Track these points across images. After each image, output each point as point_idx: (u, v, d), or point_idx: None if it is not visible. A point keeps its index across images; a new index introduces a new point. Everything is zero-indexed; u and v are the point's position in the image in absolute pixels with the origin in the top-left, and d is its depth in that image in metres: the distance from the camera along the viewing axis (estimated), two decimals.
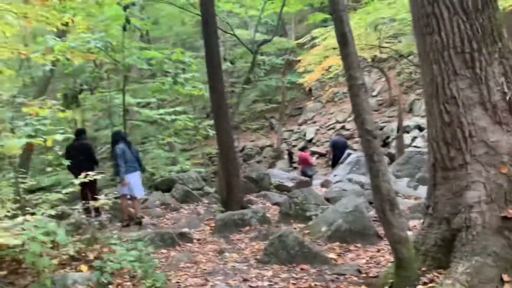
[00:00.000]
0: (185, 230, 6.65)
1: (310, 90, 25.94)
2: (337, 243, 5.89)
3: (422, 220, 7.34)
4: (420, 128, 18.98)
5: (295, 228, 6.79)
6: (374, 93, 23.84)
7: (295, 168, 18.24)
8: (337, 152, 12.44)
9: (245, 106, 25.94)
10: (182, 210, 8.30)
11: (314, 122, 24.55)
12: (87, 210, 6.82)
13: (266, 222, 6.89)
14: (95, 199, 5.67)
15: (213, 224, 6.81)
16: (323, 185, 11.17)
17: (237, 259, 5.37)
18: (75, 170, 6.65)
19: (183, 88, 10.98)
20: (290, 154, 13.71)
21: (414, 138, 18.73)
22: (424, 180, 11.15)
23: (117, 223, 7.39)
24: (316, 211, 7.14)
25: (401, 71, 23.50)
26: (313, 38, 16.64)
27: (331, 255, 5.40)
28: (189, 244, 6.11)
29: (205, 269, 5.05)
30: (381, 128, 21.19)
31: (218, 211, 7.40)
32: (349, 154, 11.86)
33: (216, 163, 24.47)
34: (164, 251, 5.75)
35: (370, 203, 8.06)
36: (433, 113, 3.87)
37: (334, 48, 16.88)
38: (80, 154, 7.46)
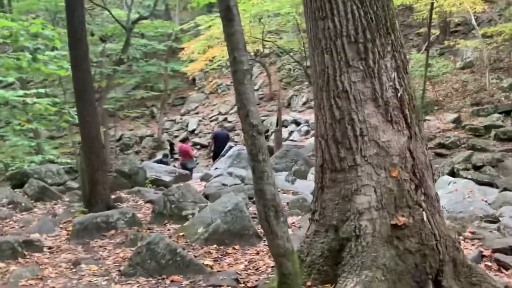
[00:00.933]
0: (34, 236, 5.47)
1: (194, 80, 25.16)
2: (215, 246, 5.31)
3: (300, 217, 7.22)
4: (297, 123, 19.46)
5: (169, 230, 6.05)
6: (256, 87, 23.97)
7: (176, 159, 17.39)
8: (218, 144, 11.92)
9: (124, 92, 24.20)
10: (36, 210, 6.98)
11: (197, 113, 23.90)
12: None
13: (136, 224, 6.00)
14: None
15: (70, 228, 5.72)
16: (203, 178, 10.54)
17: (96, 271, 4.45)
18: None
19: (46, 67, 9.41)
20: (171, 145, 12.87)
21: (291, 132, 19.13)
22: (299, 174, 11.18)
23: None
24: (193, 209, 6.46)
25: (281, 67, 23.96)
26: (197, 26, 15.88)
27: (207, 261, 4.78)
28: (37, 254, 4.97)
29: (53, 287, 4.07)
30: (262, 121, 21.38)
31: (79, 211, 6.29)
32: (230, 147, 11.41)
33: None
34: (1, 265, 4.57)
35: (250, 198, 7.66)
36: (323, 107, 3.43)
37: (218, 38, 16.41)
38: None
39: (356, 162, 3.21)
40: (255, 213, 6.14)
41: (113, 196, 7.64)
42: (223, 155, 11.30)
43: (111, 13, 10.14)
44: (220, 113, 22.86)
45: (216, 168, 10.93)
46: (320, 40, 3.45)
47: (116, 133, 23.05)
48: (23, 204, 6.97)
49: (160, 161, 12.23)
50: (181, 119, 23.65)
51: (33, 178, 7.82)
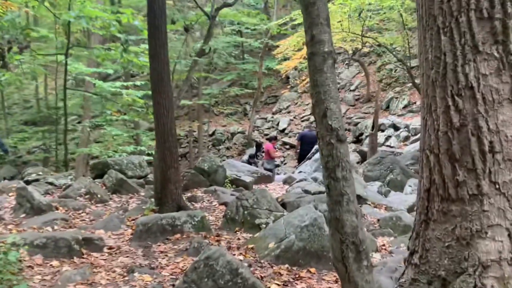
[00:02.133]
0: (98, 232, 5.13)
1: (287, 78, 24.54)
2: (286, 266, 4.53)
3: (392, 238, 6.11)
4: (396, 127, 17.84)
5: (239, 239, 5.37)
6: (352, 88, 22.64)
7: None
8: (305, 146, 11.03)
9: (219, 89, 24.38)
10: (110, 203, 6.74)
11: (289, 112, 23.22)
12: None
13: (204, 229, 5.41)
14: None
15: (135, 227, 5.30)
16: (285, 181, 9.77)
17: (148, 283, 3.90)
18: None
19: (137, 58, 9.32)
20: (259, 146, 12.23)
21: (388, 137, 17.58)
22: (395, 184, 9.91)
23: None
24: (267, 218, 5.71)
25: (382, 67, 22.32)
26: (293, 20, 15.10)
27: (274, 286, 4.01)
28: (96, 255, 4.59)
29: None
30: (356, 124, 20.02)
31: (148, 209, 5.87)
32: (318, 150, 10.46)
33: (184, 146, 22.89)
34: (55, 263, 4.22)
35: None
36: (435, 109, 2.42)
37: None
38: None
39: (482, 190, 2.19)
40: None
41: (188, 194, 7.20)
42: (309, 158, 10.42)
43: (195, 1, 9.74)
44: (312, 113, 21.87)
45: (300, 172, 10.09)
46: (435, 16, 2.45)
47: (210, 128, 23.25)
48: (99, 196, 6.77)
49: (247, 162, 11.67)
50: (272, 117, 23.15)
51: (113, 169, 7.65)
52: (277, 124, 22.42)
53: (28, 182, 7.26)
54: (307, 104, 22.61)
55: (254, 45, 22.63)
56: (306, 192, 7.97)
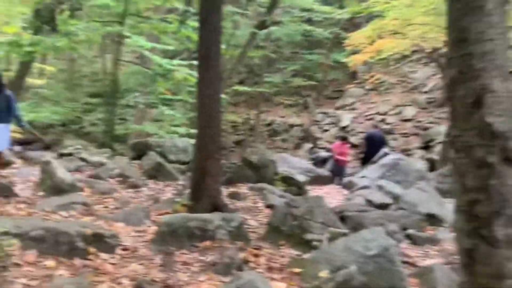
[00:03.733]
0: (115, 227, 4.22)
1: (354, 73, 22.82)
2: None
3: None
4: None
5: (282, 256, 4.24)
6: (425, 89, 20.61)
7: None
8: (371, 149, 9.62)
9: (282, 79, 23.21)
10: (143, 190, 5.86)
11: (353, 109, 21.58)
12: None
13: (241, 238, 4.33)
14: None
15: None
16: (345, 186, 8.50)
17: None
18: None
19: (194, 32, 8.39)
20: (344, 139, 10.67)
21: None
22: None
23: None
24: (320, 235, 4.53)
25: None
26: (369, 8, 13.58)
27: None
28: (104, 256, 3.64)
29: None
30: (426, 129, 18.15)
31: (180, 204, 4.89)
32: (386, 154, 9.04)
33: (239, 133, 22.03)
34: (50, 263, 3.32)
35: (404, 229, 5.44)
36: None
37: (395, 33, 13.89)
38: None
39: None
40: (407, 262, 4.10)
41: (230, 189, 6.17)
42: (375, 162, 9.03)
43: None
44: (378, 113, 20.16)
45: (363, 177, 8.75)
46: None
47: (268, 118, 22.22)
48: (132, 179, 5.91)
49: (314, 163, 10.40)
50: (334, 113, 21.63)
51: (154, 152, 6.78)
52: (339, 121, 20.92)
53: (61, 155, 6.58)
54: (374, 103, 20.91)
55: (323, 35, 21.22)
56: (369, 203, 6.69)
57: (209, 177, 4.81)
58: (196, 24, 8.88)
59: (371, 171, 8.98)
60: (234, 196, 5.80)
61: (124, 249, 3.87)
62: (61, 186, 5.02)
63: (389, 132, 17.90)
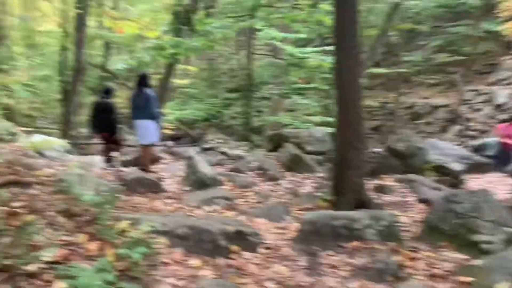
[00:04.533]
0: (256, 223, 4.06)
1: (509, 43, 19.68)
2: None
3: None
4: None
5: (445, 260, 3.60)
6: None
7: None
8: None
9: (423, 56, 21.18)
10: (281, 183, 5.66)
11: (510, 84, 18.67)
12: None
13: (392, 238, 3.80)
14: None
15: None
16: (510, 173, 7.18)
17: None
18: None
19: (327, 16, 7.93)
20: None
21: None
22: None
23: None
24: (492, 236, 3.74)
25: None
26: None
27: None
28: (247, 255, 3.48)
29: None
30: None
31: (322, 200, 4.53)
32: None
33: (377, 118, 20.81)
34: (195, 262, 3.27)
35: None
36: None
37: None
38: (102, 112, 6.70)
39: None
40: None
41: (375, 182, 5.60)
42: None
43: None
44: None
45: None
46: None
47: (408, 100, 20.52)
48: (270, 172, 5.76)
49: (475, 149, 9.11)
50: (487, 89, 18.98)
51: (291, 143, 6.55)
52: (493, 98, 18.28)
53: (204, 150, 6.77)
54: None
55: (469, 4, 18.69)
56: None
57: (351, 169, 4.36)
58: (329, 6, 8.43)
59: None
60: (379, 189, 5.24)
61: (266, 248, 3.67)
62: (203, 181, 5.09)
63: None
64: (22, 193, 3.89)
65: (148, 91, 6.09)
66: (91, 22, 17.77)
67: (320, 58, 8.72)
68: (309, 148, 6.74)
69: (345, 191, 4.37)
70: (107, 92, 6.80)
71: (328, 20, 8.33)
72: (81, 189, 4.01)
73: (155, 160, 6.52)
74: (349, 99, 4.32)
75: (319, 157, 6.69)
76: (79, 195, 3.47)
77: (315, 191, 5.06)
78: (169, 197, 4.87)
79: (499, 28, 17.18)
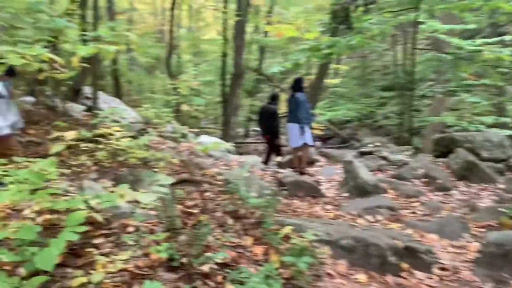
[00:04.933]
0: (427, 239, 3.63)
1: None
2: None
3: None
4: None
5: None
6: None
7: None
8: None
9: None
10: (454, 193, 5.01)
11: None
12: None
13: None
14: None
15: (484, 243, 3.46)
16: None
17: None
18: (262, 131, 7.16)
19: (505, 2, 6.86)
20: None
21: None
22: None
23: None
24: None
25: None
26: None
27: None
28: (419, 275, 3.12)
29: None
30: None
31: (508, 217, 3.84)
32: None
33: None
34: (361, 277, 3.05)
35: None
36: None
37: None
38: (266, 117, 6.92)
39: None
40: None
41: None
42: None
43: None
44: None
45: None
46: None
47: None
48: (439, 181, 5.17)
49: None
50: None
51: (462, 148, 5.80)
52: None
53: (362, 154, 6.45)
54: None
55: None
56: None
57: None
58: None
59: None
60: None
61: (442, 269, 3.25)
62: (364, 187, 4.81)
63: None
64: (193, 191, 4.19)
65: (299, 95, 6.10)
66: (248, 29, 18.88)
67: (498, 51, 7.56)
68: (485, 154, 5.87)
69: None
70: (273, 98, 7.01)
71: (509, 6, 7.19)
72: (246, 191, 4.13)
73: (311, 162, 6.47)
74: None
75: (498, 165, 5.77)
76: (245, 197, 3.55)
77: (496, 205, 4.34)
78: (328, 203, 4.73)
79: None
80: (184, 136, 7.92)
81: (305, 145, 6.13)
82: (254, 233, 3.27)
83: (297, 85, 6.31)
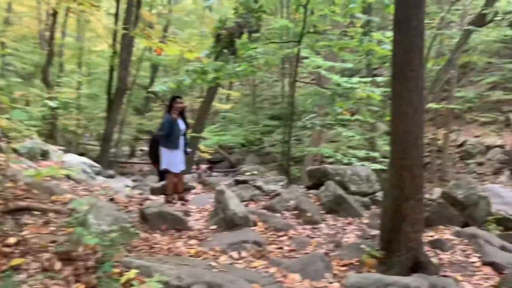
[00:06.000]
0: (289, 280, 3.38)
1: None
2: None
3: None
4: None
5: None
6: None
7: None
8: None
9: (476, 93, 19.92)
10: (321, 227, 4.95)
11: None
12: None
13: None
14: None
15: (344, 282, 3.31)
16: None
17: None
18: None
19: (378, 46, 7.29)
20: None
21: None
22: None
23: None
24: None
25: None
26: None
27: None
28: None
29: None
30: None
31: (369, 256, 3.79)
32: None
33: (438, 155, 19.47)
34: None
35: None
36: None
37: None
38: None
39: None
40: None
41: (430, 234, 4.80)
42: None
43: None
44: None
45: None
46: None
47: (459, 138, 19.22)
48: (308, 214, 5.08)
49: None
50: None
51: (333, 181, 5.85)
52: None
53: (237, 182, 6.20)
54: None
55: None
56: None
57: (407, 224, 3.62)
58: (380, 36, 7.79)
59: None
60: (435, 244, 4.43)
61: None
62: (233, 220, 4.49)
63: None
64: (27, 224, 3.44)
65: (166, 116, 5.72)
66: (140, 44, 18.08)
67: (369, 90, 8.03)
68: (353, 188, 6.00)
69: (399, 248, 3.62)
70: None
71: (381, 50, 7.68)
72: (94, 223, 3.52)
73: (184, 190, 6.01)
74: (409, 138, 3.62)
75: (365, 199, 5.94)
76: (80, 234, 2.94)
77: (360, 241, 4.32)
78: (193, 237, 4.30)
79: None
80: (44, 153, 6.92)
81: (170, 171, 5.68)
82: (89, 279, 2.69)
83: (168, 106, 5.85)
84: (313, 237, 4.58)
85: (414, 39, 3.57)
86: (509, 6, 14.09)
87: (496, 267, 4.01)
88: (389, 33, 7.69)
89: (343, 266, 3.79)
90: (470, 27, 5.42)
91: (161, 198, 5.90)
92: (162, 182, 6.42)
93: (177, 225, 4.43)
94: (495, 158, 18.20)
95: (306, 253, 4.10)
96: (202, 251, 3.83)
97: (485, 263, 4.11)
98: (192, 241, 4.13)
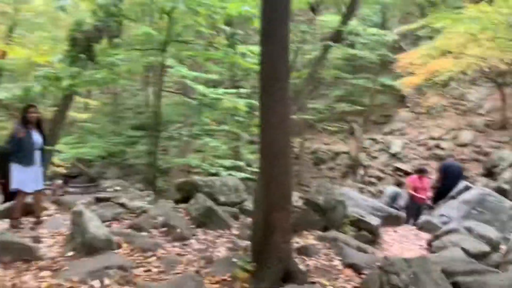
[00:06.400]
0: None
1: (403, 97, 21.31)
2: None
3: None
4: None
5: None
6: (481, 111, 18.82)
7: None
8: (448, 181, 8.14)
9: (326, 104, 21.96)
10: (192, 243, 4.72)
11: (403, 134, 19.99)
12: None
13: None
14: None
15: None
16: (422, 227, 7.07)
17: None
18: None
19: (243, 59, 7.40)
20: (422, 171, 8.42)
21: None
22: None
23: None
24: None
25: None
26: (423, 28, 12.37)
27: None
28: None
29: None
30: (486, 154, 16.32)
31: (241, 269, 3.70)
32: (467, 188, 7.57)
33: (295, 162, 20.71)
34: None
35: None
36: None
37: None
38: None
39: None
40: None
41: (297, 241, 4.95)
42: (454, 197, 7.56)
43: None
44: (431, 137, 18.54)
45: (442, 215, 7.30)
46: None
47: (312, 146, 20.93)
48: (178, 230, 4.81)
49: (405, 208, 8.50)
50: (382, 138, 20.10)
51: (202, 193, 5.69)
52: (388, 147, 19.37)
53: (98, 200, 5.61)
54: (425, 127, 19.31)
55: (368, 59, 19.95)
56: (465, 251, 5.29)
57: (277, 234, 3.62)
58: (244, 49, 7.94)
59: (450, 208, 7.52)
60: (302, 251, 4.57)
61: None
62: (93, 244, 3.98)
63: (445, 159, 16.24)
64: None
65: (15, 127, 4.99)
66: None
67: (235, 100, 8.13)
68: (222, 198, 5.93)
69: (270, 259, 3.60)
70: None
71: (244, 63, 7.84)
72: None
73: (33, 211, 5.20)
74: (276, 147, 3.65)
75: (234, 209, 5.91)
76: None
77: (232, 255, 4.22)
78: (45, 267, 3.68)
79: (394, 82, 18.54)
80: None
81: (22, 191, 4.89)
82: None
83: (21, 116, 5.09)
84: (183, 255, 4.33)
85: (280, 51, 3.62)
86: (358, 27, 15.94)
87: (356, 268, 4.30)
88: (253, 47, 7.92)
89: (216, 283, 3.63)
90: (329, 42, 5.93)
91: (5, 223, 5.01)
92: (9, 203, 5.47)
93: (25, 255, 3.75)
94: (343, 163, 20.24)
95: (177, 273, 3.83)
96: (57, 284, 3.29)
97: (346, 265, 4.37)
98: (44, 273, 3.52)
